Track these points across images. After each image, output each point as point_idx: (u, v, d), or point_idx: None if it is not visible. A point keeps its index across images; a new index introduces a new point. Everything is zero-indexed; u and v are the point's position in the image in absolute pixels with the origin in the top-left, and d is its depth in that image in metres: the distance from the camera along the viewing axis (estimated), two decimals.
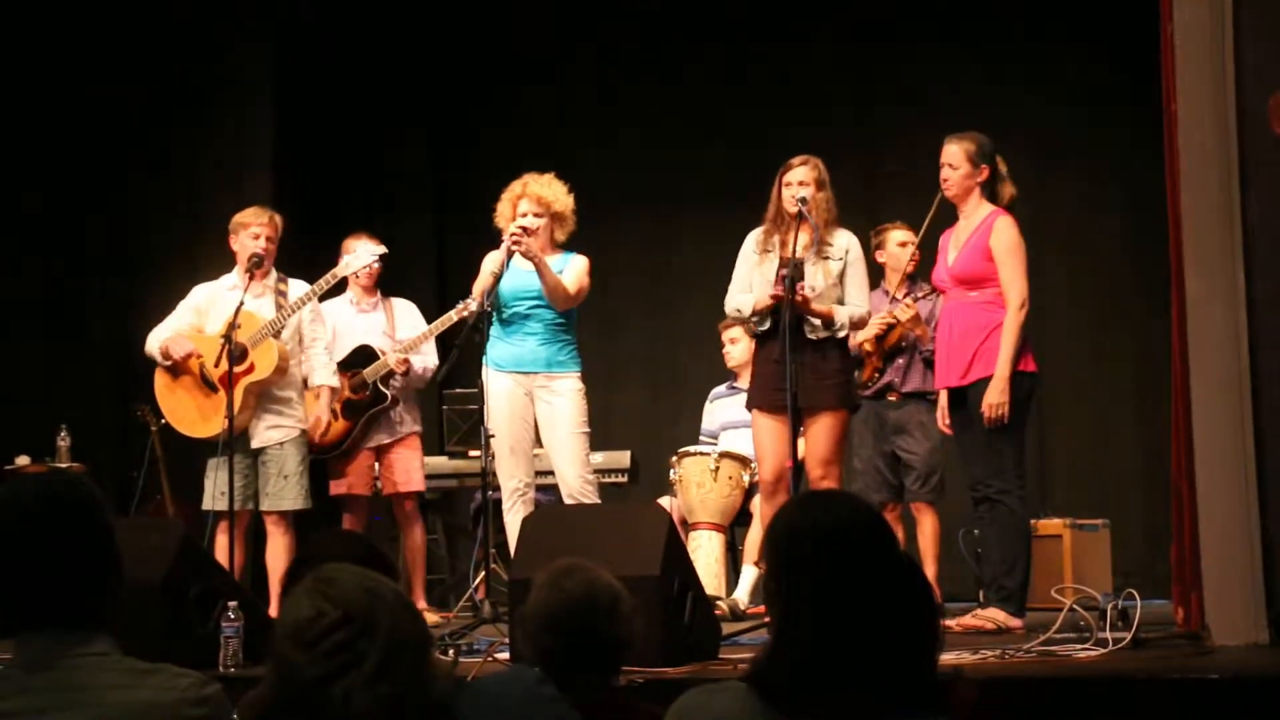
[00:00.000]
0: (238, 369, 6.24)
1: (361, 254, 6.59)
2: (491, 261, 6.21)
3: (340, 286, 6.99)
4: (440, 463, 7.76)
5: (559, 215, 6.28)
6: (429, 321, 6.98)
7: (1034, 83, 8.59)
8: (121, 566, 2.33)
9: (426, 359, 6.89)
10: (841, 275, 5.83)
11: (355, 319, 6.99)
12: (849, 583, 2.15)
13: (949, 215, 5.96)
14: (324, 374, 6.60)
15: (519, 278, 6.21)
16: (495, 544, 6.57)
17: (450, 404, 7.73)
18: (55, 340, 8.55)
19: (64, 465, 7.76)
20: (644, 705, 3.11)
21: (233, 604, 4.70)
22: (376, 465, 6.96)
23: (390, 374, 6.78)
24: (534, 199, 6.24)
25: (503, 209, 6.31)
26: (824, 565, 2.17)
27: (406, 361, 6.78)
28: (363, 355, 6.85)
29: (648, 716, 2.91)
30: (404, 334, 6.94)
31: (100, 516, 2.31)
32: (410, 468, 6.90)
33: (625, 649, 3.04)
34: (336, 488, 6.89)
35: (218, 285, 6.63)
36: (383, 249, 6.65)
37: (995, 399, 5.54)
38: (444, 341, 6.93)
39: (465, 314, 6.49)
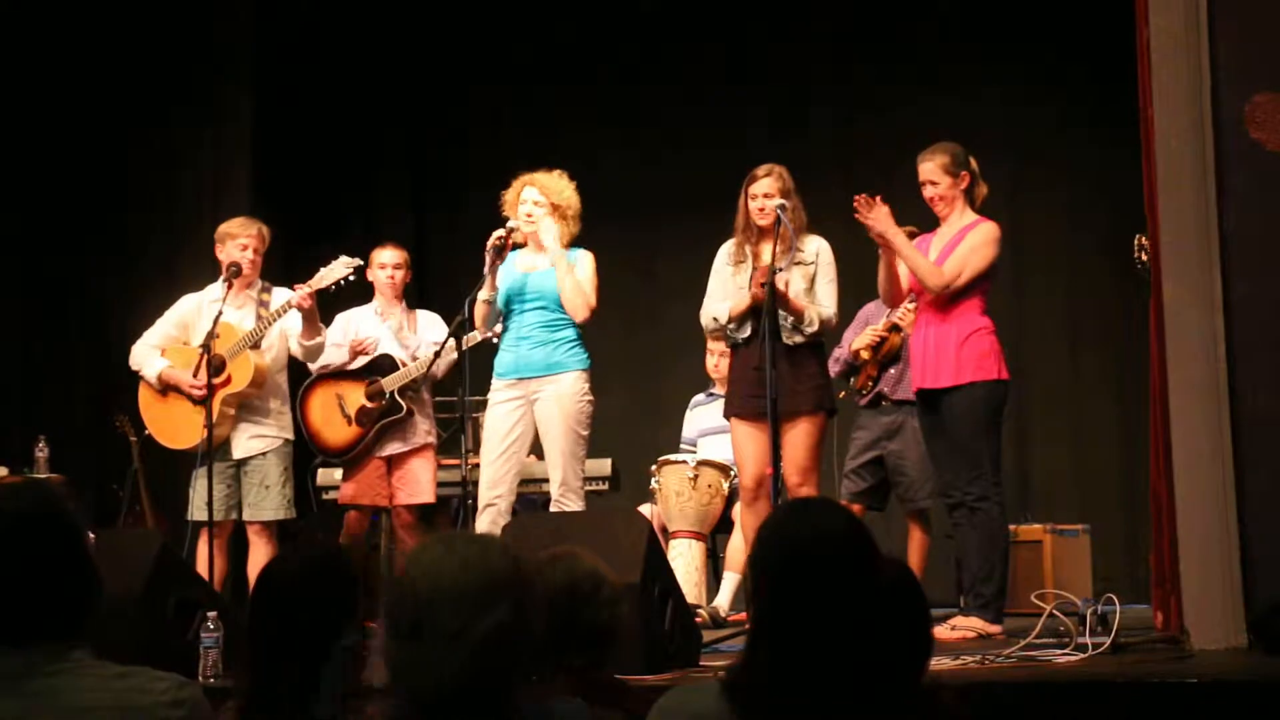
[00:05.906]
0: (215, 380, 6.23)
1: (336, 267, 6.52)
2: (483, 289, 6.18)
3: (367, 295, 6.93)
4: None
5: (558, 208, 6.26)
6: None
7: (1011, 88, 8.62)
8: (96, 574, 2.32)
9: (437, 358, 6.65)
10: (813, 280, 5.84)
11: (378, 329, 6.84)
12: (828, 594, 2.15)
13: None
14: (294, 341, 6.51)
15: (514, 280, 6.19)
16: None
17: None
18: (34, 350, 8.52)
19: (43, 476, 7.73)
20: (634, 689, 3.13)
21: (212, 614, 4.69)
22: (389, 475, 6.82)
23: (408, 385, 6.64)
24: (538, 186, 6.24)
25: (508, 198, 6.32)
26: (805, 576, 2.17)
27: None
28: (383, 364, 6.78)
29: (632, 699, 2.93)
30: (420, 339, 6.83)
31: (65, 526, 2.29)
32: (422, 479, 6.73)
33: (609, 634, 3.05)
34: (344, 495, 6.81)
35: (203, 296, 6.59)
36: (358, 261, 6.58)
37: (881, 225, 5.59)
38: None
39: (492, 338, 6.41)
